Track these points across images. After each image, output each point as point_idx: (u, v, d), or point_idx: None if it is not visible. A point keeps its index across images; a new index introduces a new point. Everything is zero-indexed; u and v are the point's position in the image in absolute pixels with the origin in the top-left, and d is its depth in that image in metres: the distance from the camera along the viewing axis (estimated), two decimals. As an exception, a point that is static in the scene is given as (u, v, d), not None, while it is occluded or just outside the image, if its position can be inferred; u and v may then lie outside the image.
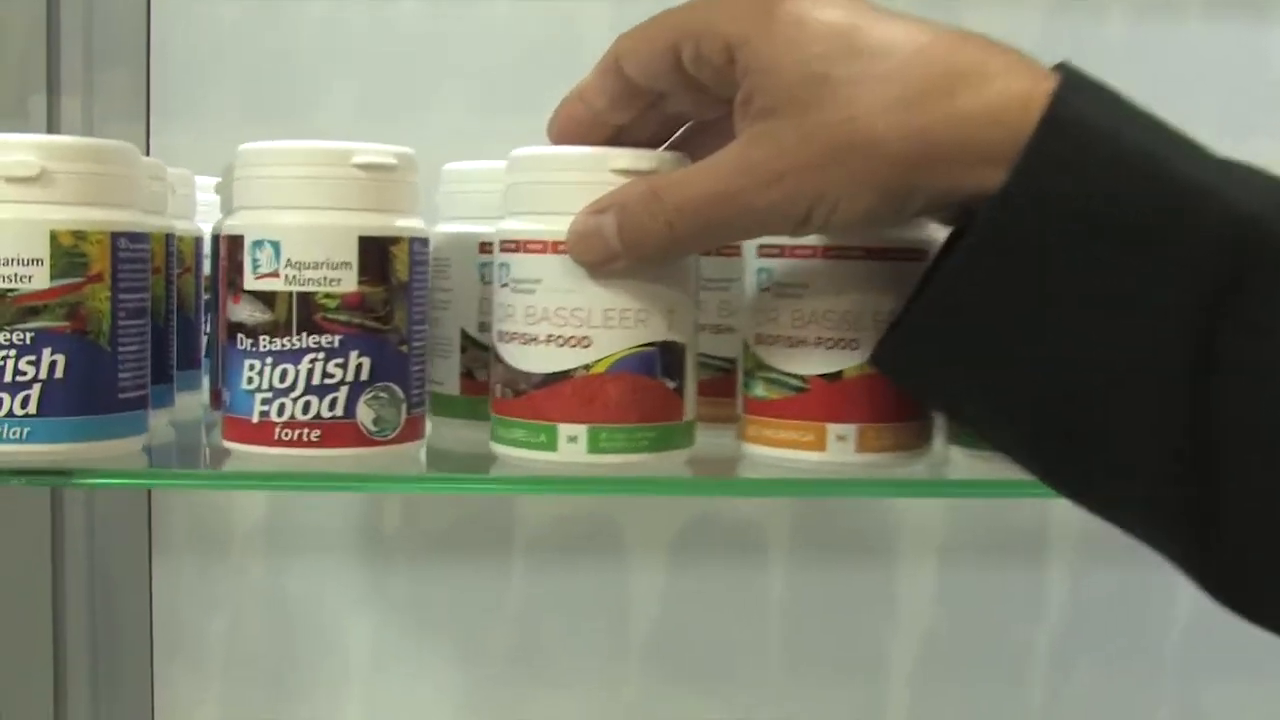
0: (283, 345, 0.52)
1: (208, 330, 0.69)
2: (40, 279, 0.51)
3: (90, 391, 0.52)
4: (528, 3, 0.90)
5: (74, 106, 0.85)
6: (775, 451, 0.55)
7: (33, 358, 0.51)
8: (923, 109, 0.43)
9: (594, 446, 0.52)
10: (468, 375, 0.62)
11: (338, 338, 0.52)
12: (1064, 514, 0.95)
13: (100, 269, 0.52)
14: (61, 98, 0.85)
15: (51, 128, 0.85)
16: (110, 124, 0.85)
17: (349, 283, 0.52)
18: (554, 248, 0.52)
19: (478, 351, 0.61)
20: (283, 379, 0.52)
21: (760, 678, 0.96)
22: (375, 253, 0.53)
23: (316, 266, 0.52)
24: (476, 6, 0.90)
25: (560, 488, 0.55)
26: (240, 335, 0.53)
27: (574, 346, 0.52)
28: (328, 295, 0.52)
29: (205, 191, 0.71)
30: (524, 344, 0.52)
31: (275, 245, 0.52)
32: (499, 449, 0.54)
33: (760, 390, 0.55)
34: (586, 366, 0.52)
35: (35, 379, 0.51)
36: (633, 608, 0.95)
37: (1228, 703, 0.98)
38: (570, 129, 0.53)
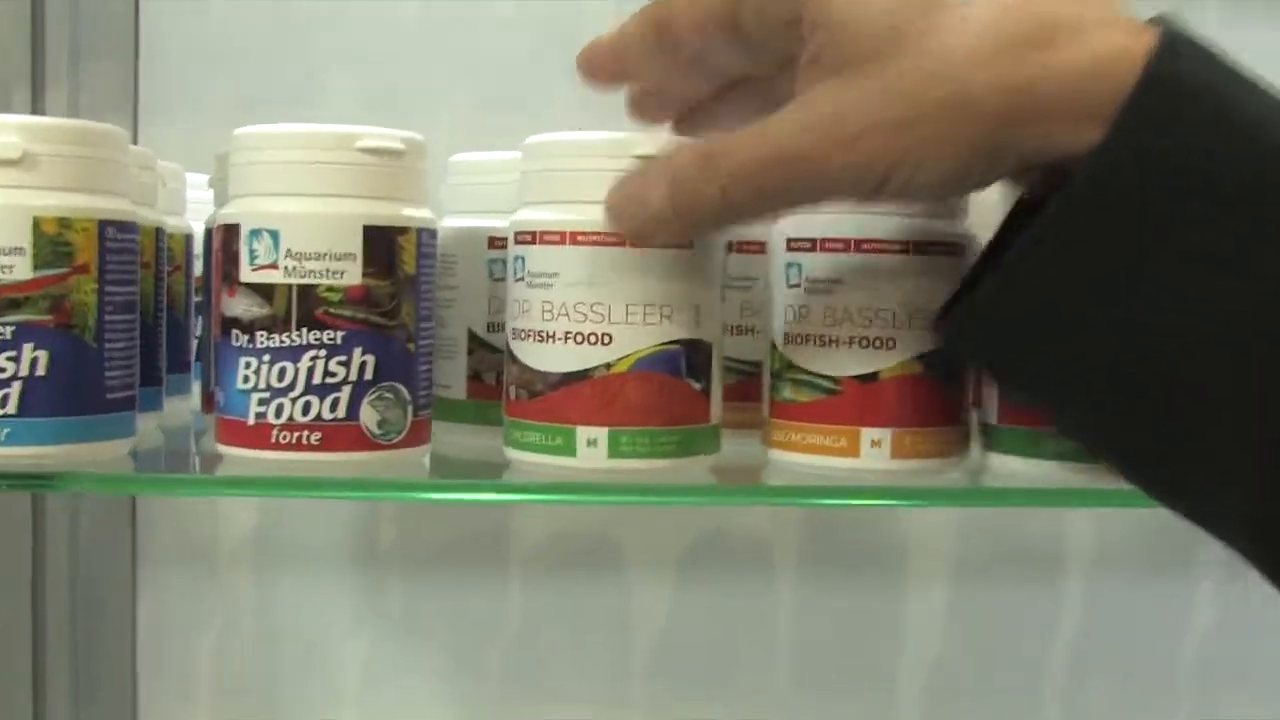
0: (281, 342, 0.50)
1: (199, 334, 0.67)
2: (22, 269, 0.49)
3: (75, 390, 0.50)
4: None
5: (59, 100, 0.83)
6: (804, 458, 0.52)
7: (13, 353, 0.49)
8: (1021, 61, 0.41)
9: (615, 451, 0.50)
10: (475, 378, 0.60)
11: (340, 334, 0.50)
12: (1078, 528, 0.94)
13: (86, 259, 0.50)
14: (46, 90, 0.83)
15: (36, 121, 0.82)
16: (96, 118, 0.82)
17: (353, 275, 0.50)
18: (572, 239, 0.49)
19: (485, 353, 0.59)
20: (281, 378, 0.50)
21: (767, 697, 0.95)
22: (381, 244, 0.50)
23: (318, 258, 0.50)
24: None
25: (579, 495, 0.53)
26: (235, 331, 0.51)
27: (594, 344, 0.49)
28: (330, 288, 0.50)
29: (196, 189, 0.69)
30: (540, 342, 0.50)
31: (274, 235, 0.50)
32: (512, 454, 0.52)
33: (788, 393, 0.52)
34: (607, 365, 0.49)
35: (15, 376, 0.49)
36: (635, 624, 0.94)
37: (1245, 722, 0.96)
38: (602, 64, 0.49)
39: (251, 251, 0.50)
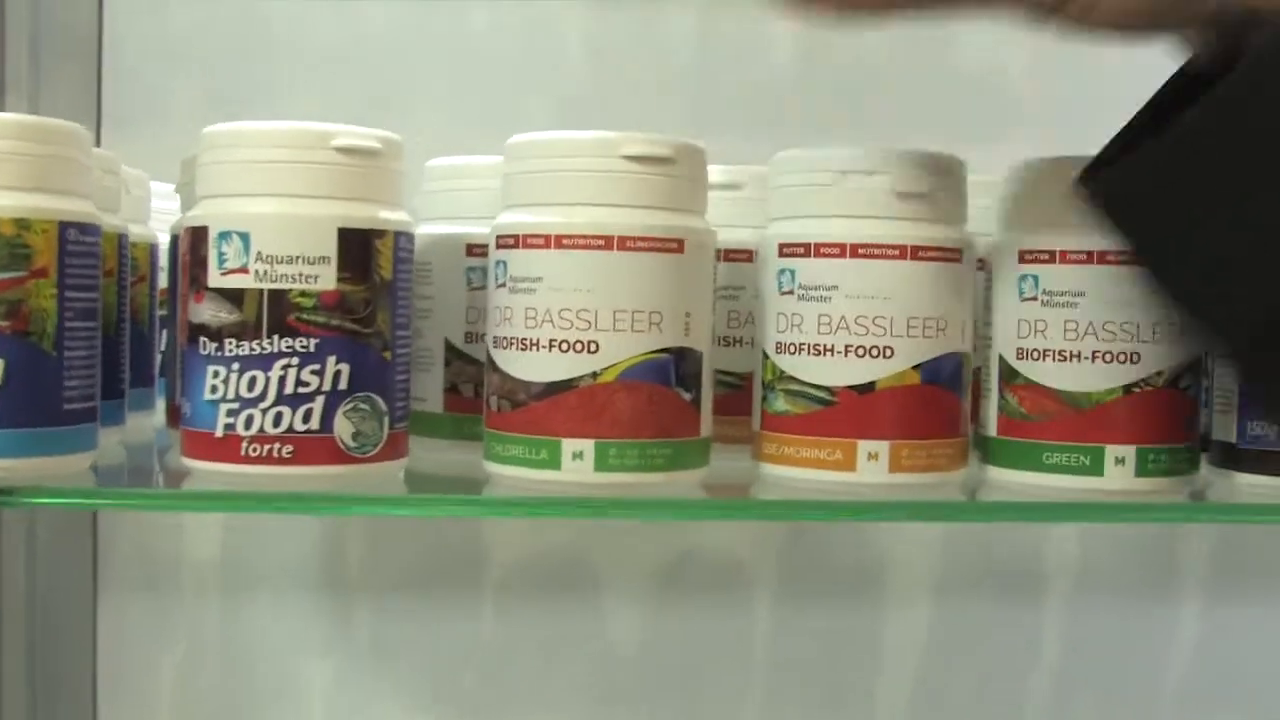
0: (251, 349, 0.48)
1: (163, 348, 0.65)
2: (-23, 273, 0.47)
3: (32, 400, 0.48)
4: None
5: (19, 105, 0.81)
6: (798, 472, 0.51)
7: (-33, 361, 0.47)
8: None
9: (602, 464, 0.48)
10: (452, 390, 0.58)
11: (314, 341, 0.48)
12: (1061, 547, 0.92)
13: (45, 263, 0.48)
14: (6, 94, 0.82)
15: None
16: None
17: (327, 280, 0.48)
18: (557, 242, 0.48)
19: (463, 365, 0.57)
20: (251, 387, 0.48)
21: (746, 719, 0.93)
22: (357, 247, 0.49)
23: (290, 261, 0.48)
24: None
25: (563, 510, 0.51)
26: (203, 339, 0.49)
27: (579, 352, 0.48)
28: (303, 294, 0.48)
29: (162, 199, 0.67)
30: (523, 350, 0.49)
31: (244, 237, 0.48)
32: (493, 468, 0.50)
33: (781, 404, 0.51)
34: (594, 374, 0.48)
35: (-30, 385, 0.47)
36: (612, 646, 0.92)
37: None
38: None
39: (220, 254, 0.48)
